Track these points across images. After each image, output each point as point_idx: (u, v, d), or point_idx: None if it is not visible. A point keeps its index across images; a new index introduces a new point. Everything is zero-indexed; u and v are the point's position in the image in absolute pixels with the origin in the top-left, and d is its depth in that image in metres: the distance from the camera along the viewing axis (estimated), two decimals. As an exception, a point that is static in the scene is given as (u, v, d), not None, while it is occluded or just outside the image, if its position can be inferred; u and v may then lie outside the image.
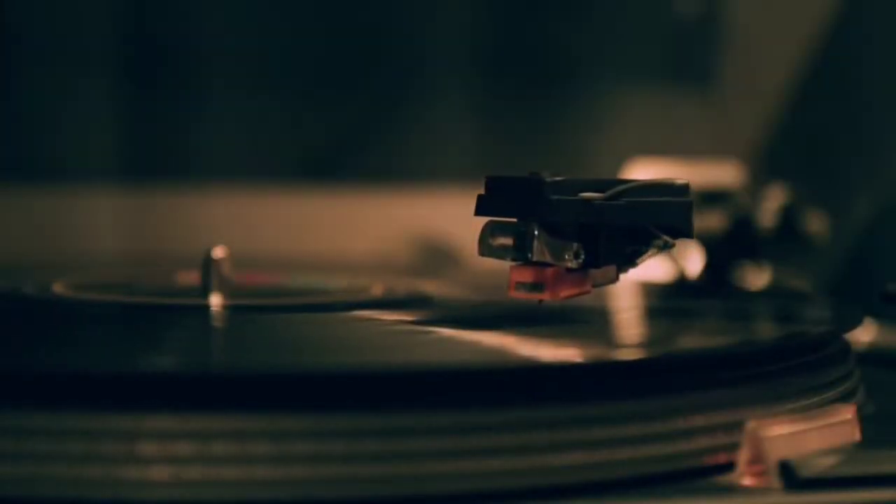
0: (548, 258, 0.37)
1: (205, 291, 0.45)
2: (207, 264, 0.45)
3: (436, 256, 0.71)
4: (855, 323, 0.42)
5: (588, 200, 0.37)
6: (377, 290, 0.49)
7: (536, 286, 0.37)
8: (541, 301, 0.37)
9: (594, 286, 0.39)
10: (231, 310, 0.44)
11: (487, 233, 0.38)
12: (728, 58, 0.77)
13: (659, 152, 0.66)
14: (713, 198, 0.60)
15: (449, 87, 0.75)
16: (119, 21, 0.71)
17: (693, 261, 0.58)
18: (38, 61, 0.70)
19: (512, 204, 0.37)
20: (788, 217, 0.59)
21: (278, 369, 0.32)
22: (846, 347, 0.41)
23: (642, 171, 0.63)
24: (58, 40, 0.70)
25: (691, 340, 0.40)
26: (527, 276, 0.38)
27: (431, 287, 0.51)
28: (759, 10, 0.76)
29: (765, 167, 0.70)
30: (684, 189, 0.39)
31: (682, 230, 0.39)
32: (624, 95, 0.76)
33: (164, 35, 0.72)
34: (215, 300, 0.45)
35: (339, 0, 0.75)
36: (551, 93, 0.76)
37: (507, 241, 0.37)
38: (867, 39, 0.70)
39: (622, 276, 0.39)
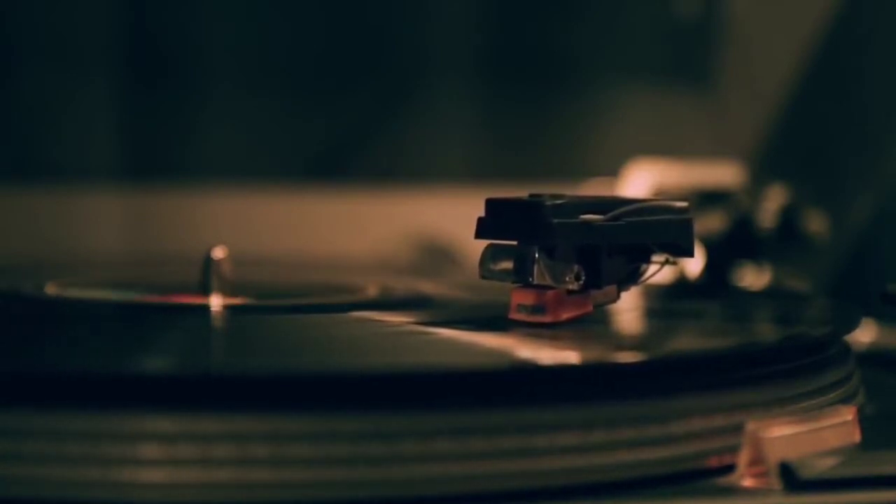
0: (548, 281, 0.37)
1: (205, 291, 0.45)
2: (207, 264, 0.45)
3: (436, 256, 0.71)
4: (855, 324, 0.42)
5: (588, 223, 0.37)
6: (376, 290, 0.49)
7: (537, 309, 0.38)
8: (542, 325, 0.38)
9: (595, 306, 0.39)
10: (231, 310, 0.44)
11: (488, 257, 0.38)
12: (728, 58, 0.77)
13: (659, 152, 0.66)
14: (713, 198, 0.60)
15: (449, 87, 0.75)
16: (119, 21, 0.71)
17: (693, 261, 0.58)
18: (38, 61, 0.70)
19: (512, 227, 0.37)
20: (788, 217, 0.59)
21: (277, 370, 0.32)
22: (846, 348, 0.41)
23: (642, 171, 0.63)
24: (58, 40, 0.70)
25: (691, 342, 0.40)
26: (528, 298, 0.38)
27: (431, 287, 0.51)
28: (758, 9, 0.76)
29: (765, 167, 0.70)
30: (684, 210, 0.39)
31: (684, 248, 0.39)
32: (623, 95, 0.76)
33: (164, 35, 0.72)
34: (215, 300, 0.44)
35: (340, 0, 0.75)
36: (551, 93, 0.76)
37: (508, 265, 0.38)
38: (867, 39, 0.70)
39: (623, 295, 0.39)
